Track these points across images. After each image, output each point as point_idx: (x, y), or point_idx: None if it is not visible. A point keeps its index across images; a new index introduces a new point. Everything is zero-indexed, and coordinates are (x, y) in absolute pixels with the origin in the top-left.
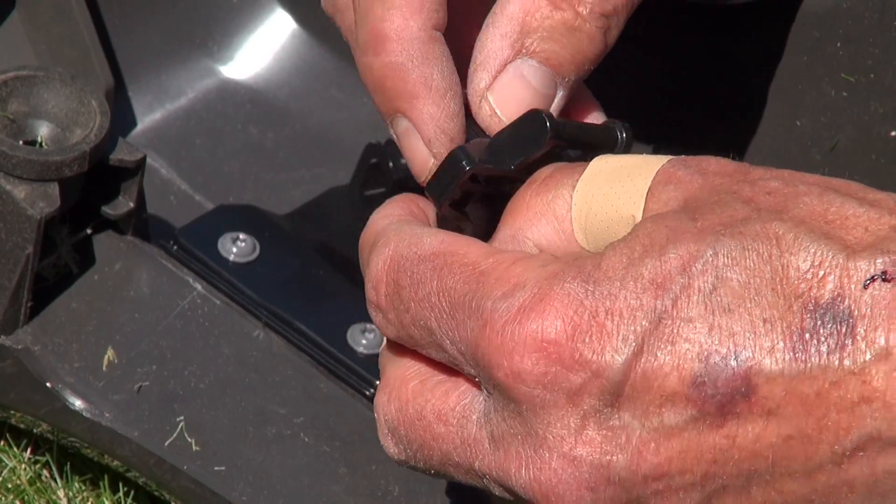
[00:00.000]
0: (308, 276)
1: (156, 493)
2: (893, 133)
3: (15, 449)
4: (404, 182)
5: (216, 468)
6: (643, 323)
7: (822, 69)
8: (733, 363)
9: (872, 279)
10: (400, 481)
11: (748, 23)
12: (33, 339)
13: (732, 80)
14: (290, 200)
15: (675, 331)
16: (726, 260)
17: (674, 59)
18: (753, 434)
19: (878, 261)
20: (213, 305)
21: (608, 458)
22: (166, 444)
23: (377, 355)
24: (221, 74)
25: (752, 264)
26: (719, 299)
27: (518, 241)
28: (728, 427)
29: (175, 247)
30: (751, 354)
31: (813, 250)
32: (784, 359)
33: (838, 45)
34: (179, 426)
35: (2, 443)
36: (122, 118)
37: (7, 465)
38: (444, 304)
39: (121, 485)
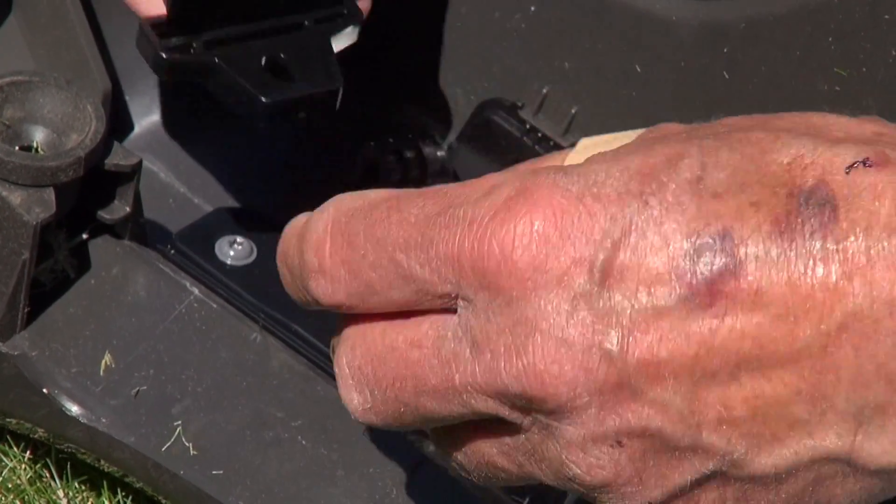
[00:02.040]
0: None
1: (154, 498)
2: None
3: (15, 449)
4: (404, 182)
5: (214, 472)
6: (631, 204)
7: (815, 64)
8: (721, 242)
9: (853, 165)
10: (399, 484)
11: (740, 18)
12: (30, 345)
13: (725, 76)
14: (287, 203)
15: (663, 212)
16: (712, 158)
17: (667, 56)
18: (742, 313)
19: (859, 150)
20: (211, 309)
21: (600, 338)
22: (164, 448)
23: None
24: None
25: (735, 161)
26: (706, 186)
27: None
28: (717, 307)
29: (172, 250)
30: (738, 234)
31: (795, 146)
32: (770, 238)
33: (830, 39)
34: (177, 431)
35: (2, 443)
36: (119, 121)
37: (7, 465)
38: (410, 230)
39: (119, 487)
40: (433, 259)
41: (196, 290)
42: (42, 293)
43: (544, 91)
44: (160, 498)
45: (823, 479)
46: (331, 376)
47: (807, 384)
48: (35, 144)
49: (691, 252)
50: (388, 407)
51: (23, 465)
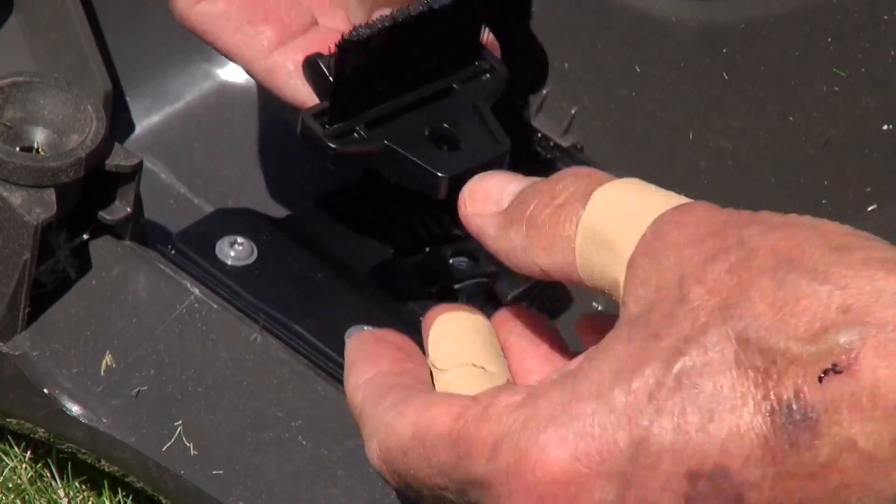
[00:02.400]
0: (306, 278)
1: (155, 498)
2: (885, 127)
3: (16, 449)
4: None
5: (214, 472)
6: (622, 460)
7: (814, 64)
8: (716, 478)
9: (825, 373)
10: None
11: (739, 19)
12: (31, 345)
13: (724, 77)
14: (288, 203)
15: (656, 460)
16: (691, 378)
17: (667, 56)
18: None
19: (826, 356)
20: (211, 309)
21: None
22: (164, 448)
23: None
24: (220, 78)
25: (713, 376)
26: (690, 418)
27: (527, 251)
28: None
29: (173, 251)
30: (732, 467)
31: (767, 349)
32: (764, 464)
33: (829, 39)
34: (177, 431)
35: (3, 443)
36: (120, 122)
37: (8, 464)
38: (444, 481)
39: (120, 487)
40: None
41: (196, 291)
42: (43, 293)
43: (544, 91)
44: (161, 498)
45: None
46: (331, 376)
47: None
48: (36, 145)
49: (690, 493)
50: None
51: (23, 465)
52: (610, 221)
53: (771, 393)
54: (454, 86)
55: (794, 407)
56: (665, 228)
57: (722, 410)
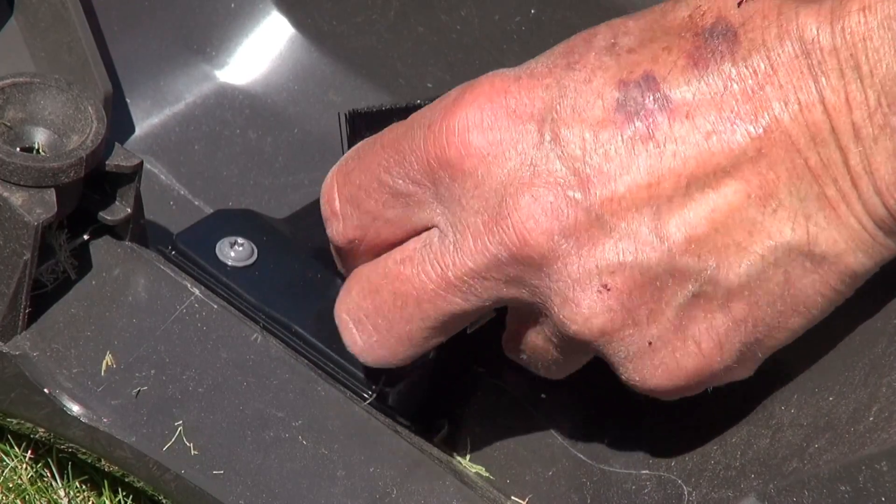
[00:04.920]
0: (306, 279)
1: (155, 498)
2: None
3: (16, 448)
4: None
5: (214, 472)
6: (561, 73)
7: None
8: (646, 83)
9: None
10: (398, 483)
11: None
12: (32, 345)
13: None
14: (288, 204)
15: (590, 72)
16: (620, 28)
17: None
18: (679, 137)
19: None
20: (211, 310)
21: (562, 187)
22: (164, 448)
23: None
24: (219, 79)
25: (641, 25)
26: (621, 47)
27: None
28: (656, 138)
29: (173, 252)
30: (659, 73)
31: (692, 2)
32: (687, 69)
33: None
34: (178, 430)
35: (3, 443)
36: (120, 124)
37: (8, 464)
38: (388, 151)
39: (120, 487)
40: (409, 170)
41: (197, 291)
42: (43, 294)
43: None
44: (161, 497)
45: (792, 278)
46: (331, 376)
47: (752, 187)
48: (36, 146)
49: (622, 97)
50: (393, 331)
51: (24, 465)
52: None
53: (696, 25)
54: None
55: (717, 29)
56: None
57: (651, 41)
